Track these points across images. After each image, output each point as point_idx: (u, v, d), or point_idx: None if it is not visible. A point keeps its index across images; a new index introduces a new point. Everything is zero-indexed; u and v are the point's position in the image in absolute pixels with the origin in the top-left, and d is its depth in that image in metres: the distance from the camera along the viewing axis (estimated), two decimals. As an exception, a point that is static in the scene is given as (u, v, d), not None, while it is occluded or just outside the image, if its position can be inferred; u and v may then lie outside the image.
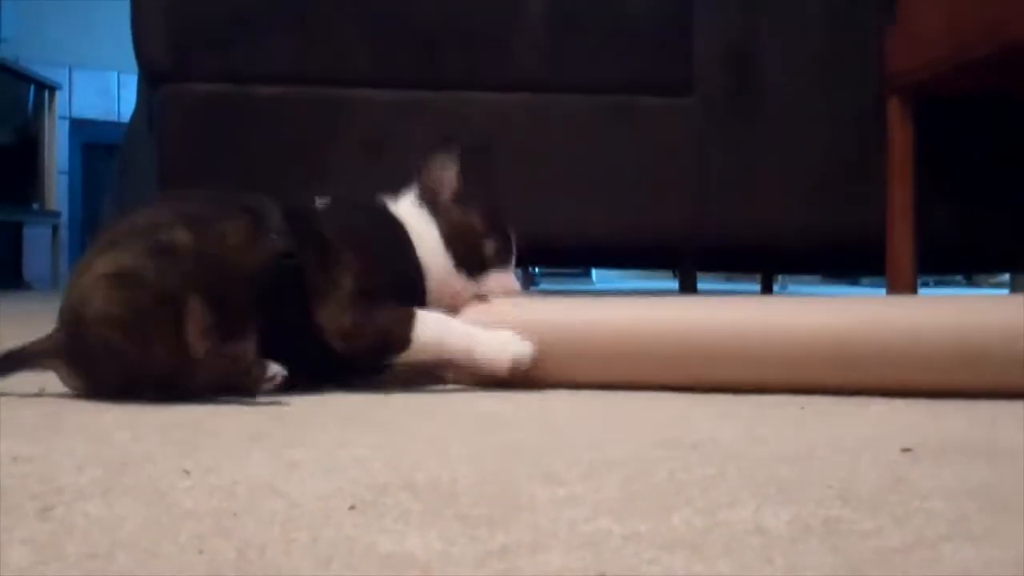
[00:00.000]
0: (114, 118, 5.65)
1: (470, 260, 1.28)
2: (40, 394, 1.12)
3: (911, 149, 2.06)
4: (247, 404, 1.08)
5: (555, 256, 2.82)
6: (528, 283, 5.40)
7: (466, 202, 1.31)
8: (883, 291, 2.19)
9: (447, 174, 1.30)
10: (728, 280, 5.88)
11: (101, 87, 5.73)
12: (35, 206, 4.72)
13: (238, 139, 2.14)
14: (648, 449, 0.83)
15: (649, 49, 2.22)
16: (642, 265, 4.13)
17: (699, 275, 3.17)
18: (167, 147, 2.14)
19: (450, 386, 1.24)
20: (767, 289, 3.73)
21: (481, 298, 1.28)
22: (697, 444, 0.85)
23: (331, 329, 1.14)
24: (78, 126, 5.63)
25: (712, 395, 1.15)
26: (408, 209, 1.29)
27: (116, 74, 5.69)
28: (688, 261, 2.82)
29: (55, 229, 4.73)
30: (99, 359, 1.07)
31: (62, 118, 5.16)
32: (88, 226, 5.34)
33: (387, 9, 2.17)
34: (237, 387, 1.07)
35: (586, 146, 2.21)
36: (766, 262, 3.11)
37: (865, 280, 5.86)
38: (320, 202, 1.26)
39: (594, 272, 6.51)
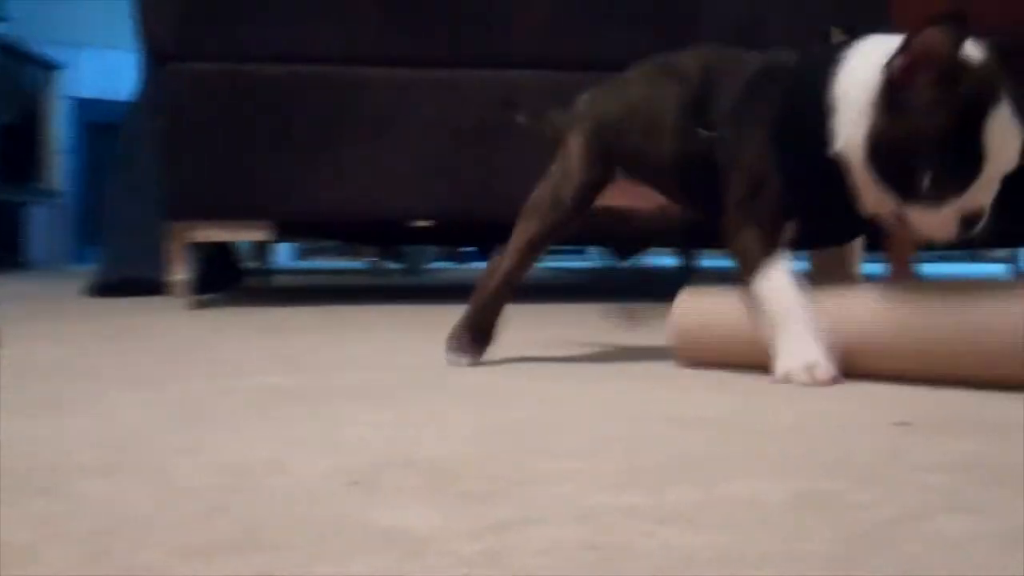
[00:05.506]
0: (118, 97, 5.66)
1: (891, 175, 1.01)
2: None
3: None
4: (249, 381, 1.09)
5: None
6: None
7: (947, 99, 0.96)
8: None
9: (938, 52, 0.95)
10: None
11: (105, 66, 5.73)
12: (36, 185, 4.72)
13: (243, 118, 2.14)
14: (649, 426, 0.84)
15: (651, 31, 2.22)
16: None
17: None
18: (172, 125, 2.14)
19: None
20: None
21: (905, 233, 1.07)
22: (697, 420, 0.86)
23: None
24: (82, 105, 5.63)
25: (707, 371, 1.15)
26: (855, 94, 1.02)
27: (120, 53, 5.69)
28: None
29: (56, 208, 4.72)
30: None
31: (65, 97, 5.15)
32: (91, 205, 5.34)
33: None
34: None
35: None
36: None
37: None
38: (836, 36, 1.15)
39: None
